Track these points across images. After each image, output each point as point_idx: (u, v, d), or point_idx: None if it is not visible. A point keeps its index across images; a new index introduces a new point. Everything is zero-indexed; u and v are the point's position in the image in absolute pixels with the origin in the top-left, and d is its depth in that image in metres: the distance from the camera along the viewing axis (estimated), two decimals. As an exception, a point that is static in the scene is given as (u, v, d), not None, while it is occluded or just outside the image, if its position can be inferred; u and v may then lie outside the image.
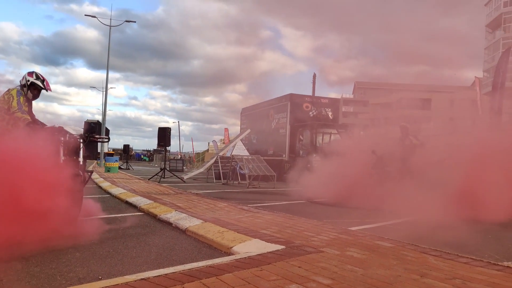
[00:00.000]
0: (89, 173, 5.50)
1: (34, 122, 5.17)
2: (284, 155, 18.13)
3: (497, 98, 10.95)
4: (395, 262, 3.19)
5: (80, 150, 5.24)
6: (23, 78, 5.24)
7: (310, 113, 18.92)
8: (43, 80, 5.29)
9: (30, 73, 5.28)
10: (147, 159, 58.77)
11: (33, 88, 5.24)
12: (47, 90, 5.38)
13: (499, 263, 3.25)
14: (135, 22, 36.42)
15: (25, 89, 5.19)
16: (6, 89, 5.16)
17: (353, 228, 4.86)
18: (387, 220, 5.89)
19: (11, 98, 5.02)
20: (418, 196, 6.16)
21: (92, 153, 28.37)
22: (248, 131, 20.99)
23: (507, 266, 3.17)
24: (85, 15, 26.65)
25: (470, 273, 2.92)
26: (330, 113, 19.44)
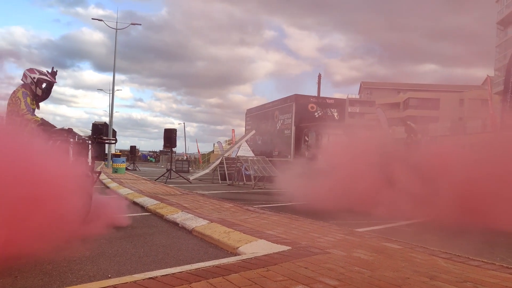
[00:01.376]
0: (97, 174, 5.56)
1: (44, 124, 5.20)
2: (289, 156, 18.13)
3: (508, 97, 10.84)
4: (404, 264, 3.18)
5: (88, 151, 5.30)
6: (26, 77, 5.12)
7: (316, 113, 18.90)
8: (46, 74, 5.23)
9: (31, 70, 5.14)
10: (153, 160, 58.98)
11: (41, 84, 5.17)
12: (55, 82, 5.31)
13: (511, 267, 3.21)
14: (140, 24, 36.59)
15: (33, 87, 5.14)
16: (12, 91, 5.13)
17: (359, 230, 4.85)
18: (395, 221, 5.87)
19: (18, 100, 5.00)
20: (426, 198, 6.12)
21: (100, 154, 28.56)
22: (253, 132, 21.03)
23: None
24: (92, 18, 26.84)
25: (482, 277, 2.88)
26: (336, 114, 19.40)
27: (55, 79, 5.31)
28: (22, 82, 5.13)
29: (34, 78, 5.10)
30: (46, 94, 5.30)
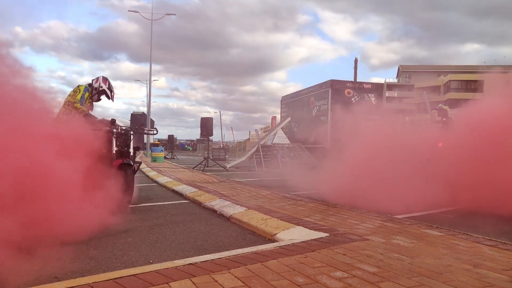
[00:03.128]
0: (138, 164, 5.77)
1: (89, 116, 5.50)
2: (325, 143, 17.90)
3: None
4: (445, 251, 3.08)
5: (131, 141, 5.51)
6: (97, 80, 5.69)
7: (352, 99, 18.47)
8: (111, 91, 5.75)
9: (105, 80, 5.73)
10: (190, 148, 60.22)
11: (102, 94, 5.71)
12: (112, 100, 5.85)
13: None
14: (175, 14, 36.95)
15: (94, 91, 5.63)
16: (73, 85, 5.65)
17: (399, 216, 4.74)
18: (435, 208, 5.68)
19: (78, 91, 5.45)
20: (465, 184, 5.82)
21: (140, 144, 29.53)
22: (289, 119, 20.87)
23: None
24: (128, 10, 27.54)
25: (528, 264, 2.76)
26: (373, 99, 18.88)
27: (113, 100, 5.87)
28: (90, 81, 5.68)
29: (101, 87, 5.62)
30: (97, 100, 5.78)
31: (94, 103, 5.74)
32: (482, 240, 3.48)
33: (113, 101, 5.83)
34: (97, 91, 5.62)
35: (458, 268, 2.66)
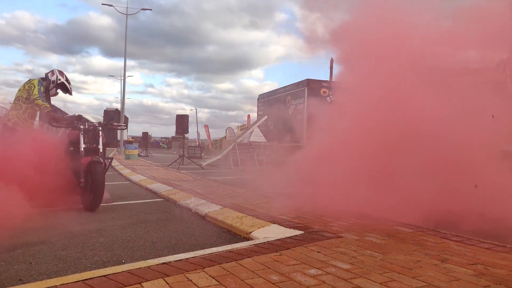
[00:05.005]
0: (110, 160, 5.62)
1: (54, 111, 5.32)
2: (301, 142, 18.06)
3: None
4: (415, 247, 3.17)
5: (99, 137, 5.35)
6: (53, 74, 5.42)
7: (328, 98, 18.70)
8: (69, 83, 5.54)
9: (61, 73, 5.49)
10: (165, 146, 59.46)
11: (59, 87, 5.48)
12: (71, 94, 5.62)
13: (523, 249, 3.18)
14: (151, 10, 36.38)
15: (52, 85, 5.39)
16: (27, 79, 5.36)
17: (372, 215, 4.83)
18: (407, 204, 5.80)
19: (32, 86, 5.20)
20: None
21: (112, 141, 28.90)
22: (265, 117, 20.94)
23: (532, 252, 3.10)
24: (102, 4, 26.71)
25: (493, 259, 2.87)
26: (348, 98, 19.17)
27: (71, 94, 5.67)
28: (44, 75, 5.41)
29: (59, 80, 5.38)
30: (54, 94, 5.58)
31: (51, 97, 5.53)
32: (449, 235, 3.59)
33: (71, 94, 5.62)
34: (54, 84, 5.40)
35: (427, 263, 2.73)
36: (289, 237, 3.43)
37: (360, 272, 2.51)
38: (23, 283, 2.38)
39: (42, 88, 5.24)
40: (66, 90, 5.51)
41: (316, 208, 4.97)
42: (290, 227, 3.79)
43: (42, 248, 3.25)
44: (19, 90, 5.26)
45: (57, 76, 5.40)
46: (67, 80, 5.49)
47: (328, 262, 2.71)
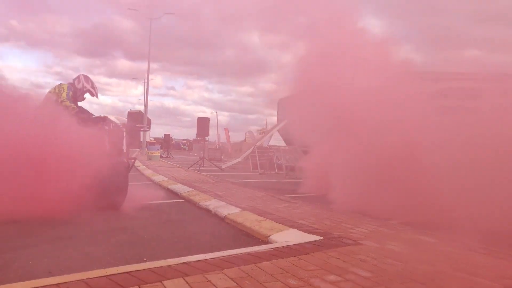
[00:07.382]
0: (133, 160, 5.75)
1: (82, 112, 5.49)
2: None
3: None
4: (439, 258, 3.10)
5: (123, 138, 5.49)
6: (79, 81, 5.64)
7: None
8: (94, 88, 5.73)
9: (87, 79, 5.69)
10: (186, 148, 60.09)
11: (85, 93, 5.68)
12: (97, 97, 5.82)
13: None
14: (174, 14, 36.79)
15: (79, 92, 5.62)
16: (58, 82, 5.59)
17: (393, 222, 4.76)
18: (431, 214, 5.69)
19: (62, 90, 5.41)
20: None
21: (134, 142, 29.42)
22: (285, 121, 20.89)
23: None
24: (128, 9, 27.41)
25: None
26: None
27: (97, 97, 5.83)
28: (72, 80, 5.62)
29: (85, 87, 5.58)
30: (81, 100, 5.75)
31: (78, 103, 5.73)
32: (477, 248, 3.49)
33: (97, 97, 5.80)
34: (81, 91, 5.62)
35: (451, 275, 2.67)
36: (308, 242, 3.42)
37: (380, 281, 2.48)
38: (53, 275, 2.46)
39: (70, 92, 5.48)
40: (92, 94, 5.72)
41: (335, 214, 4.94)
42: (309, 232, 3.77)
43: (70, 242, 3.36)
44: (49, 92, 5.46)
45: (82, 84, 5.62)
46: (92, 86, 5.69)
47: (348, 269, 2.69)
